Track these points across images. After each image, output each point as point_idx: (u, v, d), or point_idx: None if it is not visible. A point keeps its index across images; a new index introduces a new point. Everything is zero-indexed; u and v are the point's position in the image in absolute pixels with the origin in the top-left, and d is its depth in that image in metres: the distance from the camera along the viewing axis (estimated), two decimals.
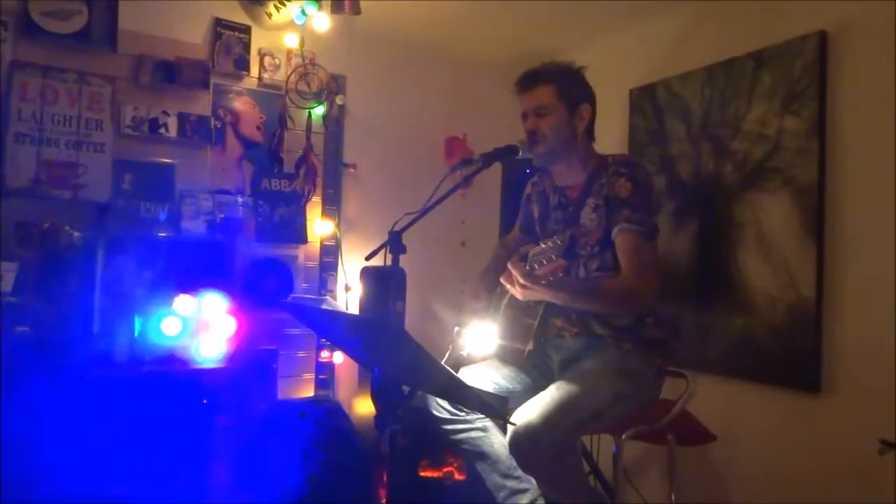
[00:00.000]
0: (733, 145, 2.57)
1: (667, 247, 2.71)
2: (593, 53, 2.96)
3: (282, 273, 2.93)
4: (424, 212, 1.75)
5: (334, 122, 3.09)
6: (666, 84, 2.85)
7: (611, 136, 3.00)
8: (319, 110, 3.03)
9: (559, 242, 1.65)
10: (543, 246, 1.70)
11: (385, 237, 1.66)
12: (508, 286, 1.88)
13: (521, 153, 2.01)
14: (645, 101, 2.93)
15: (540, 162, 2.09)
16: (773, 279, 2.40)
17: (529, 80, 2.07)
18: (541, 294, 1.81)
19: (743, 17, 2.60)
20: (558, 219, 2.14)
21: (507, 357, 2.12)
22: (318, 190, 3.03)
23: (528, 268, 1.74)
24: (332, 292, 3.04)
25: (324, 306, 2.66)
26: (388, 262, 1.65)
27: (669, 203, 2.76)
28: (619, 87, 3.00)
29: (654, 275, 1.96)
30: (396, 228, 1.66)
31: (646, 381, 1.96)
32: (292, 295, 2.90)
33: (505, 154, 1.98)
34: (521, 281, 1.74)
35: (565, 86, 2.06)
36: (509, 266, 1.79)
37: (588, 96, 2.10)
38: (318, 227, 3.05)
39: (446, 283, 3.21)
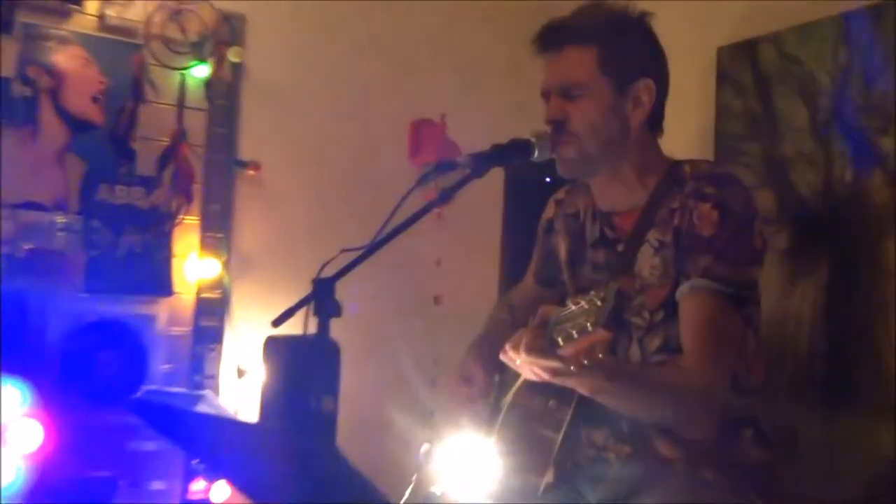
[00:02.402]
0: (884, 143, 2.61)
1: (775, 308, 2.71)
2: None
3: (128, 347, 2.89)
4: (373, 248, 1.74)
5: (224, 93, 3.08)
6: (776, 41, 2.87)
7: (684, 124, 3.01)
8: (200, 72, 3.03)
9: (598, 303, 1.66)
10: (573, 308, 1.70)
11: (305, 288, 1.64)
12: (515, 366, 1.88)
13: (536, 153, 2.02)
14: (741, 68, 2.96)
15: (568, 171, 2.12)
16: None
17: (553, 39, 2.09)
18: (571, 385, 1.82)
19: None
20: (600, 263, 2.16)
21: (510, 495, 2.09)
22: (195, 205, 3.02)
23: (547, 342, 1.74)
24: (215, 380, 3.02)
25: (199, 406, 2.63)
26: (311, 331, 1.65)
27: (780, 235, 2.77)
28: (697, 46, 3.03)
29: (729, 364, 1.99)
30: (326, 274, 1.64)
31: None
32: (146, 386, 2.87)
33: (510, 155, 2.00)
34: (535, 362, 1.75)
35: (613, 49, 2.07)
36: (508, 347, 1.79)
37: (652, 66, 2.12)
38: (194, 268, 3.02)
39: (408, 367, 3.17)
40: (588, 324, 1.65)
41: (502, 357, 1.93)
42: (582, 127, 2.06)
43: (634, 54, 2.10)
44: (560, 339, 1.70)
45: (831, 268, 2.68)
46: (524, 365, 1.81)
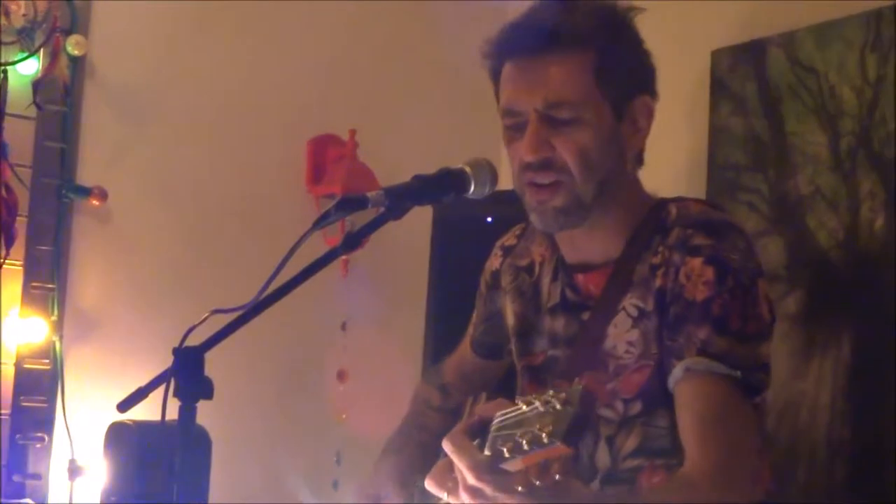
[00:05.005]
0: None
1: (783, 392, 2.76)
2: None
3: None
4: (256, 308, 1.75)
5: (61, 97, 3.10)
6: (787, 44, 2.94)
7: (666, 149, 3.03)
8: (28, 68, 3.04)
9: (558, 406, 1.62)
10: (525, 409, 1.68)
11: (165, 359, 1.66)
12: (443, 494, 1.87)
13: (473, 188, 2.01)
14: (742, 78, 3.02)
15: (555, 224, 2.11)
16: None
17: (533, 38, 2.07)
18: None
19: None
20: (558, 335, 2.18)
21: None
22: (18, 246, 2.99)
23: (487, 452, 1.75)
24: (41, 482, 2.98)
25: None
26: (171, 417, 1.65)
27: (790, 296, 2.83)
28: (685, 48, 3.09)
29: (753, 470, 2.01)
30: (192, 343, 1.66)
31: None
32: None
33: (438, 190, 1.99)
34: (472, 481, 1.73)
35: (612, 56, 2.07)
36: (447, 447, 1.79)
37: (647, 78, 2.15)
38: (14, 330, 3.01)
39: (303, 464, 3.20)
40: (543, 433, 1.61)
41: (428, 485, 1.92)
42: (577, 164, 2.03)
43: (632, 63, 2.13)
44: (506, 450, 1.68)
45: (856, 340, 2.73)
46: (461, 490, 1.77)
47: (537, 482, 1.63)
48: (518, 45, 2.08)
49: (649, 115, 2.13)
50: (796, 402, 2.78)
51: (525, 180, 2.07)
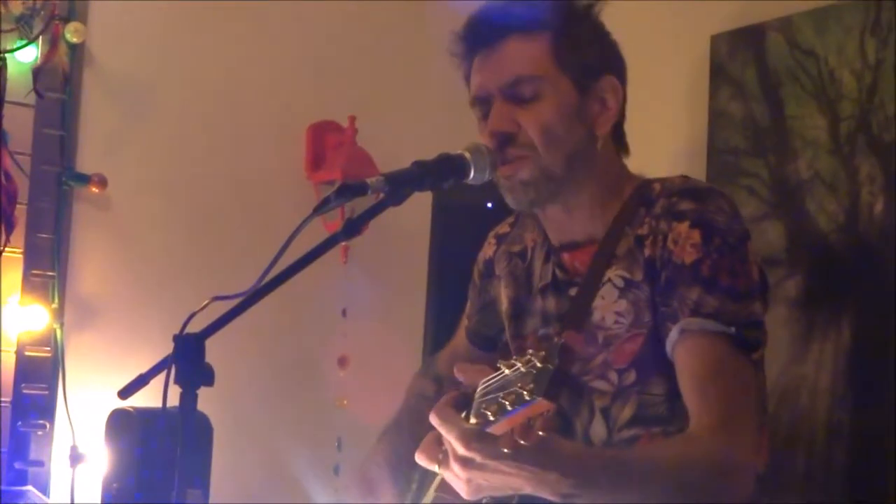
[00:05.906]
0: None
1: (783, 376, 2.77)
2: None
3: None
4: (256, 295, 1.76)
5: (60, 85, 3.09)
6: (786, 28, 2.94)
7: (666, 135, 3.08)
8: (27, 55, 3.03)
9: (538, 364, 1.64)
10: (507, 372, 1.68)
11: (165, 346, 1.66)
12: (434, 466, 1.88)
13: (472, 174, 2.03)
14: (741, 63, 3.02)
15: (525, 199, 2.14)
16: None
17: (490, 28, 2.14)
18: (508, 480, 1.78)
19: None
20: (550, 314, 2.20)
21: None
22: (18, 233, 2.99)
23: (473, 420, 1.77)
24: (42, 469, 2.98)
25: None
26: (172, 404, 1.65)
27: (790, 280, 2.83)
28: (684, 34, 3.09)
29: (754, 426, 2.01)
30: (192, 330, 1.66)
31: None
32: None
33: (438, 176, 1.99)
34: (461, 451, 1.74)
35: (568, 37, 2.13)
36: (434, 420, 1.80)
37: (613, 62, 2.19)
38: (14, 317, 3.01)
39: (304, 450, 3.19)
40: (525, 392, 1.61)
41: (418, 458, 1.93)
42: (540, 137, 2.08)
43: (593, 45, 2.17)
44: (489, 413, 1.68)
45: (856, 324, 2.73)
46: (451, 461, 1.78)
47: (522, 441, 1.63)
48: (478, 35, 2.15)
49: (616, 94, 2.16)
50: (796, 385, 2.78)
51: (495, 154, 2.09)
